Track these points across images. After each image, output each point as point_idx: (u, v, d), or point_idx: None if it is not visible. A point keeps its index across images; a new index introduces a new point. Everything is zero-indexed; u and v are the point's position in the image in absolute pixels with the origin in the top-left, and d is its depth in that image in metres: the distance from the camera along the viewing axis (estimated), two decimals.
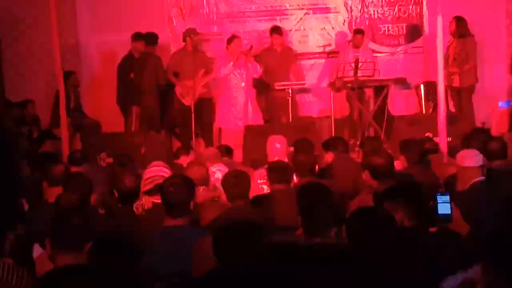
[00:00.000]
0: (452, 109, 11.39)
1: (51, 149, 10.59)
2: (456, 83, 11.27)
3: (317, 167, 6.94)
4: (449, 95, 11.41)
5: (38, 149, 10.38)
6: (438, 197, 4.25)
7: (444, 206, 4.22)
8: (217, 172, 7.03)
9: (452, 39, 11.30)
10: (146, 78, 11.39)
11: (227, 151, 8.79)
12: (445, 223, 4.23)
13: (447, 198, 4.23)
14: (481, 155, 5.95)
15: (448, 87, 11.27)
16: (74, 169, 7.94)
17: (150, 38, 11.63)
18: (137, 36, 11.50)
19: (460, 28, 11.24)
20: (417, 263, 3.24)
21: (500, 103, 11.44)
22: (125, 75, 11.46)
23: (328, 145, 8.00)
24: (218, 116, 11.24)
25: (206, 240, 3.87)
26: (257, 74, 11.24)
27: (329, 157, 7.83)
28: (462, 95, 11.28)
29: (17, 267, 3.86)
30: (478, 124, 11.17)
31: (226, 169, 6.85)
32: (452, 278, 3.21)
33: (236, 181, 5.47)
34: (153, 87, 11.46)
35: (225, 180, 5.57)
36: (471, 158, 5.86)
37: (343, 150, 7.90)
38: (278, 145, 7.80)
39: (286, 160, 7.26)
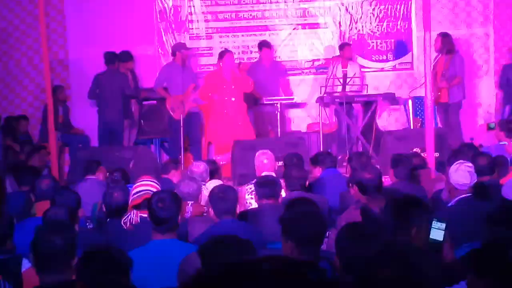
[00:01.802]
0: (440, 124, 11.44)
1: (39, 164, 10.58)
2: (443, 99, 11.32)
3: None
4: (437, 111, 11.47)
5: (26, 164, 10.35)
6: (434, 222, 4.21)
7: (437, 233, 4.17)
8: (207, 187, 7.03)
9: (440, 55, 11.37)
10: (110, 94, 11.52)
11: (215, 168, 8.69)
12: (434, 249, 4.19)
13: (443, 225, 4.18)
14: (475, 174, 5.89)
15: (436, 103, 11.34)
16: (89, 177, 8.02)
17: (108, 57, 11.73)
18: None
19: (446, 45, 11.32)
20: (406, 279, 3.24)
21: None
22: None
23: (316, 160, 8.02)
24: (208, 130, 11.23)
25: (193, 255, 3.87)
26: (249, 89, 11.21)
27: (317, 172, 7.86)
28: (449, 110, 11.34)
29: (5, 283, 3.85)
30: (466, 139, 11.22)
31: (216, 184, 6.85)
32: None
33: (223, 196, 5.47)
34: (117, 102, 11.56)
35: (212, 196, 5.57)
36: (465, 179, 5.80)
37: (331, 165, 7.92)
38: (265, 160, 7.81)
39: (273, 174, 7.27)
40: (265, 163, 7.78)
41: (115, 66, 11.74)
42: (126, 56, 11.91)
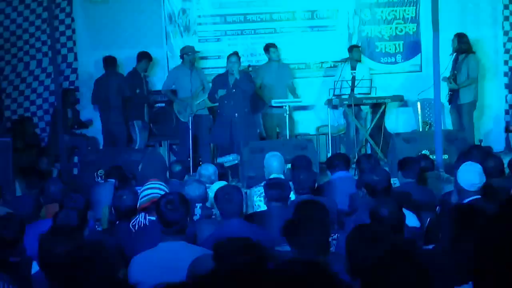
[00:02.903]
0: (450, 126, 11.41)
1: (47, 166, 10.61)
2: (455, 99, 11.29)
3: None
4: (450, 112, 11.46)
5: (35, 166, 10.39)
6: None
7: None
8: (212, 189, 7.01)
9: (455, 55, 11.34)
10: (107, 97, 11.56)
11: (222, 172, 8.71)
12: None
13: None
14: (483, 175, 5.88)
15: (449, 104, 11.33)
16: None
17: (106, 60, 11.79)
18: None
19: (462, 45, 11.29)
20: (414, 279, 3.23)
21: None
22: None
23: (331, 163, 7.95)
24: (212, 133, 11.19)
25: (201, 258, 3.87)
26: (250, 91, 11.13)
27: (330, 174, 7.83)
28: (463, 111, 11.30)
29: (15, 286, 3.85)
30: (476, 141, 11.19)
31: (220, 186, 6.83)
32: None
33: (228, 198, 5.44)
34: (115, 105, 11.59)
35: (217, 197, 5.55)
36: (473, 179, 5.79)
37: (344, 167, 7.86)
38: (275, 163, 7.78)
39: (282, 177, 7.25)
40: (275, 165, 7.75)
41: (113, 69, 11.79)
42: (139, 56, 11.95)
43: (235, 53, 11.12)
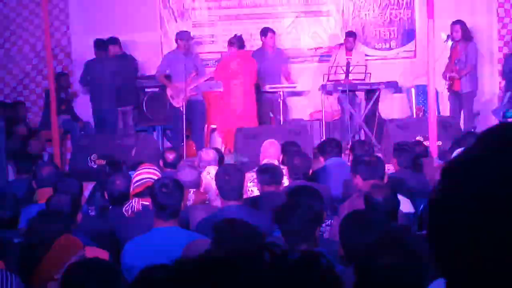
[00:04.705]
0: (444, 113, 11.41)
1: (38, 150, 10.58)
2: (456, 87, 11.30)
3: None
4: (449, 99, 11.47)
5: (25, 150, 10.35)
6: None
7: None
8: (204, 175, 6.98)
9: (456, 43, 11.34)
10: (103, 81, 11.53)
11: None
12: None
13: None
14: None
15: (449, 91, 11.34)
16: None
17: (99, 44, 11.75)
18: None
19: (465, 32, 11.31)
20: (409, 265, 3.23)
21: (493, 110, 11.48)
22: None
23: (323, 149, 7.95)
24: (212, 115, 11.23)
25: (195, 242, 3.86)
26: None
27: (322, 160, 7.82)
28: (463, 99, 11.31)
29: (10, 273, 3.84)
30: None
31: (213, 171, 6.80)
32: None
33: (227, 178, 5.39)
34: (107, 89, 11.57)
35: (218, 176, 5.51)
36: None
37: (337, 153, 7.86)
38: (271, 149, 7.73)
39: (276, 163, 7.23)
40: (270, 152, 7.70)
41: (105, 53, 11.77)
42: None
43: (232, 38, 11.17)
